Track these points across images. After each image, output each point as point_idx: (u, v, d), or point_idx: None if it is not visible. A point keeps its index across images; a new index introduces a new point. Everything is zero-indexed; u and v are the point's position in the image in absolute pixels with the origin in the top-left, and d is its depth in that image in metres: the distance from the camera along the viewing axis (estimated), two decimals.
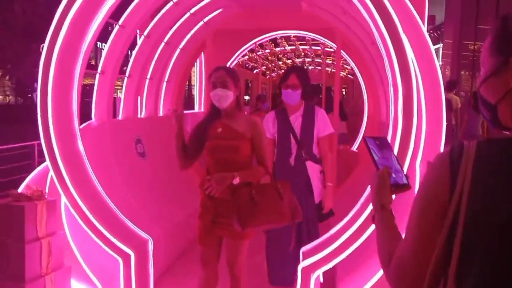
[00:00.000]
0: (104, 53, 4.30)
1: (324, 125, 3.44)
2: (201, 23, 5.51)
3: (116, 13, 3.64)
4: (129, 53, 5.07)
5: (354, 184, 5.97)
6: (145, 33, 4.66)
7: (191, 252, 4.75)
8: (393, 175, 1.18)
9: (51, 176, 3.08)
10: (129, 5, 4.13)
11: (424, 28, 2.84)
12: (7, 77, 27.11)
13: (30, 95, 31.82)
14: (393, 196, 1.20)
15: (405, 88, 2.60)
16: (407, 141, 2.66)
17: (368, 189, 2.86)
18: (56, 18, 3.09)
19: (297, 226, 3.07)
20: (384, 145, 1.27)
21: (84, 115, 3.59)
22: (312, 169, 3.40)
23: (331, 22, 5.40)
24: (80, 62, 3.17)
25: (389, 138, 2.80)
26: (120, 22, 4.10)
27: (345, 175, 6.50)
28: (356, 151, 7.83)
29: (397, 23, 2.58)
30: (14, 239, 2.67)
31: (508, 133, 0.97)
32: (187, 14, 5.05)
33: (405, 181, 1.20)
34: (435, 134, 2.89)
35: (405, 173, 1.25)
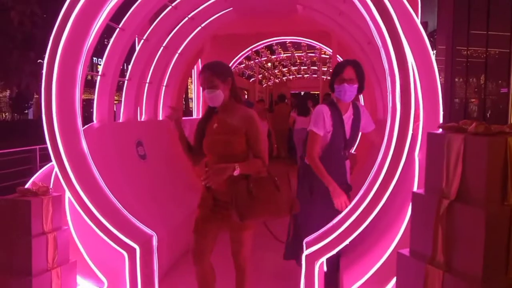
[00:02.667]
0: (104, 56, 4.37)
1: (369, 121, 3.39)
2: (199, 28, 5.60)
3: (116, 17, 3.73)
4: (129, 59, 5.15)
5: (353, 184, 6.02)
6: (145, 36, 4.74)
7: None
8: None
9: (56, 174, 3.13)
10: (129, 8, 4.21)
11: (418, 21, 2.93)
12: (8, 91, 27.10)
13: (26, 111, 31.88)
14: None
15: (402, 77, 2.67)
16: (406, 130, 2.72)
17: (366, 185, 2.92)
18: (59, 21, 3.16)
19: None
20: None
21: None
22: (347, 167, 3.39)
23: (327, 25, 5.50)
24: (82, 63, 3.23)
25: (387, 131, 2.87)
26: (121, 25, 4.17)
27: None
28: (354, 153, 7.90)
29: (393, 14, 2.67)
30: (21, 233, 2.70)
31: None
32: (186, 19, 5.14)
33: None
34: (432, 124, 2.96)
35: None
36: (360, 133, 3.40)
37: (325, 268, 2.99)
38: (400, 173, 2.75)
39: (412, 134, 2.82)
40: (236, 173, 2.52)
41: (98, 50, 4.71)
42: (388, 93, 3.08)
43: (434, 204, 1.63)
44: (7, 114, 34.42)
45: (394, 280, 2.56)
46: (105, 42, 5.65)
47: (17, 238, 2.70)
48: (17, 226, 2.71)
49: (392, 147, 2.70)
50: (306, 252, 2.85)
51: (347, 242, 2.80)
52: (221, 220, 2.72)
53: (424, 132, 2.93)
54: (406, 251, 1.78)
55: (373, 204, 2.72)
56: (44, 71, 3.13)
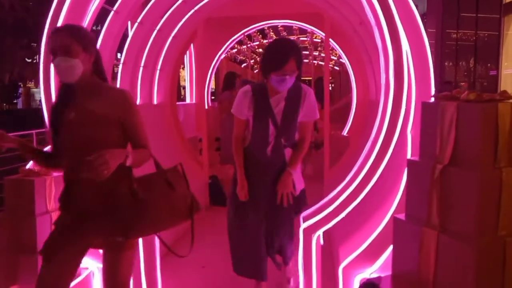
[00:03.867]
0: (99, 40, 4.38)
1: (311, 110, 2.86)
2: (192, 11, 5.61)
3: (108, 1, 3.76)
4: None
5: (345, 165, 6.13)
6: (139, 20, 4.75)
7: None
8: None
9: None
10: None
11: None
12: None
13: (15, 101, 31.50)
14: None
15: (395, 50, 2.74)
16: (399, 104, 2.79)
17: (360, 160, 3.01)
18: (54, 5, 3.18)
19: (267, 225, 3.00)
20: None
21: None
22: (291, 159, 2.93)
23: (319, 6, 5.54)
24: None
25: (380, 109, 2.94)
26: (115, 8, 4.18)
27: (336, 158, 6.66)
28: (347, 135, 8.01)
29: None
30: (26, 212, 2.75)
31: None
32: (179, 1, 5.15)
33: None
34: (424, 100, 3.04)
35: None
36: (299, 119, 2.87)
37: (321, 242, 3.08)
38: (393, 148, 2.83)
39: (404, 111, 2.90)
40: (128, 162, 1.86)
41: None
42: (381, 72, 3.16)
43: (429, 170, 1.72)
44: None
45: (390, 248, 2.66)
46: (98, 28, 5.63)
47: (22, 218, 2.75)
48: (21, 205, 2.76)
49: (387, 120, 2.77)
50: (303, 225, 2.94)
51: (343, 215, 2.90)
52: (92, 239, 2.03)
53: (417, 109, 3.02)
54: (402, 216, 1.87)
55: (369, 177, 2.80)
56: (41, 55, 3.16)
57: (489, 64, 14.95)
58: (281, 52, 2.68)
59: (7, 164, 4.34)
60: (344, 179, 3.08)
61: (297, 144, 2.93)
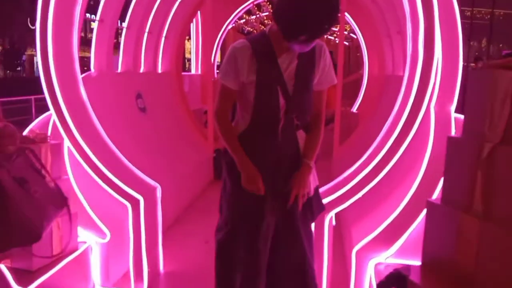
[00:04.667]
0: (102, 1, 4.10)
1: (329, 73, 2.06)
2: None
3: None
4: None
5: (355, 143, 5.92)
6: None
7: (197, 203, 4.75)
8: None
9: (54, 123, 2.97)
10: None
11: None
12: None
13: (18, 68, 31.14)
14: None
15: (426, 19, 2.48)
16: (428, 77, 2.56)
17: (378, 140, 2.78)
18: None
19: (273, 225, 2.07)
20: None
21: None
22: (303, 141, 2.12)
23: None
24: (80, 3, 3.00)
25: (404, 82, 2.70)
26: None
27: (346, 135, 6.45)
28: (356, 112, 7.77)
29: None
30: None
31: None
32: None
33: None
34: (451, 79, 2.80)
35: None
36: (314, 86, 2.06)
37: (333, 222, 2.89)
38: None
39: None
40: None
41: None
42: (408, 42, 2.89)
43: (474, 149, 1.50)
44: None
45: (407, 232, 2.47)
46: None
47: None
48: None
49: (413, 95, 2.54)
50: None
51: (360, 195, 2.69)
52: None
53: (443, 83, 2.78)
54: (437, 200, 1.66)
55: (390, 155, 2.59)
56: (38, 11, 2.91)
57: (501, 45, 14.57)
58: (328, 14, 1.76)
59: None
60: (354, 157, 2.86)
61: (312, 124, 2.08)
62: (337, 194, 2.70)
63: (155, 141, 4.63)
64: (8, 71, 31.43)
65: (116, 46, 4.46)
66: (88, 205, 2.97)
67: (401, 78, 2.86)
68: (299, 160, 2.03)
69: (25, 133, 2.79)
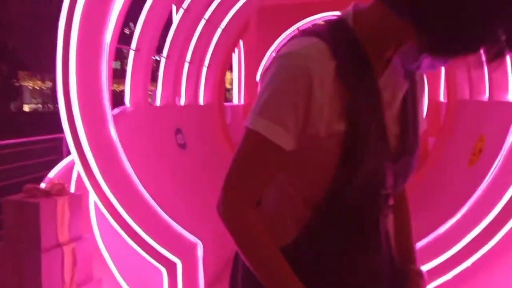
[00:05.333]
0: (137, 29, 3.71)
1: (422, 111, 1.12)
2: None
3: None
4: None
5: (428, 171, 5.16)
6: (184, 5, 4.05)
7: None
8: None
9: (78, 171, 2.49)
10: None
11: None
12: (50, 83, 27.31)
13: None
14: None
15: None
16: None
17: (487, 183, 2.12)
18: None
19: None
20: None
21: None
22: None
23: None
24: (107, 28, 2.57)
25: None
26: None
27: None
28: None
29: None
30: (29, 245, 2.06)
31: None
32: None
33: None
34: None
35: None
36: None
37: None
38: None
39: None
40: None
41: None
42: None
43: None
44: (50, 105, 35.23)
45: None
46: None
47: (25, 252, 2.06)
48: (24, 236, 2.07)
49: None
50: None
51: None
52: None
53: None
54: None
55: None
56: (60, 39, 2.48)
57: None
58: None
59: (29, 174, 3.68)
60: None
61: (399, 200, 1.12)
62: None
63: (194, 181, 4.12)
64: (57, 105, 32.62)
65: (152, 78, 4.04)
66: (116, 269, 2.44)
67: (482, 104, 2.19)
68: (394, 269, 1.04)
69: (42, 185, 2.32)
